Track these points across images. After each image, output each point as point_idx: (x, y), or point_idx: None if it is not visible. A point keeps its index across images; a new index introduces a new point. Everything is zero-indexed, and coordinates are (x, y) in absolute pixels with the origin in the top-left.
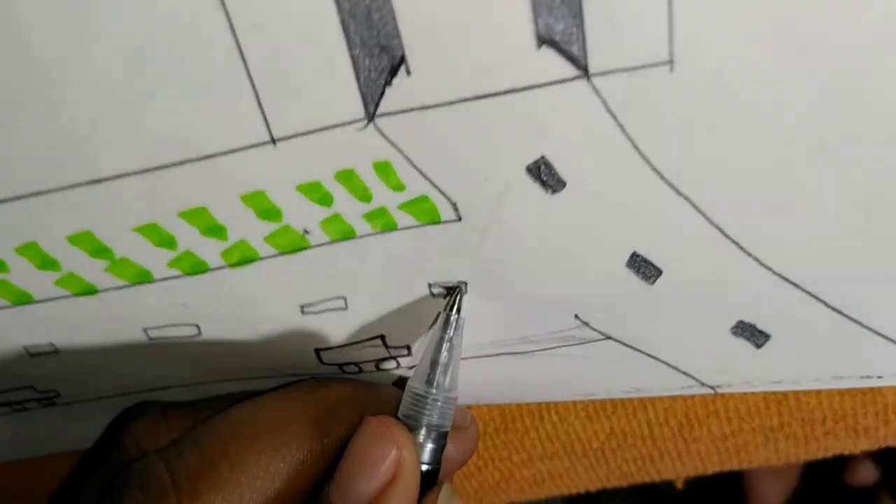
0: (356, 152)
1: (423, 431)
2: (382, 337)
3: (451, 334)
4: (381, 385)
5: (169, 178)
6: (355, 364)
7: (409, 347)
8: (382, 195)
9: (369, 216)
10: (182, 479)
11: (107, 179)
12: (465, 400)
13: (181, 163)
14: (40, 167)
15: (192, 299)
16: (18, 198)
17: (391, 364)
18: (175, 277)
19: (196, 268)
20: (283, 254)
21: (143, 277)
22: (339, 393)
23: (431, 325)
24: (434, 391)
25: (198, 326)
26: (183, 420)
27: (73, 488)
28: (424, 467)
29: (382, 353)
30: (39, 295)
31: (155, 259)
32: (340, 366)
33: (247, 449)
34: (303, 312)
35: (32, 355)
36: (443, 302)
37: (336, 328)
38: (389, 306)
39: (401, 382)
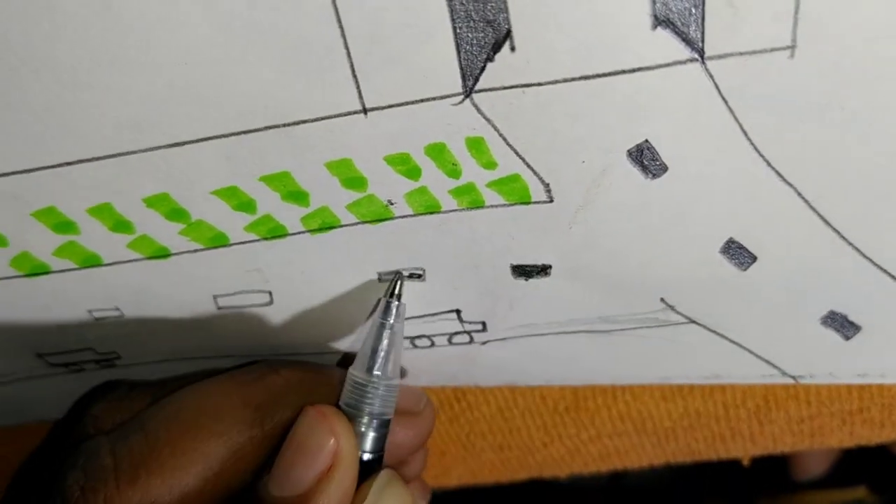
0: (449, 127)
1: (364, 420)
2: (458, 311)
3: (392, 321)
4: (331, 369)
5: (253, 143)
6: (427, 337)
7: (484, 324)
8: (472, 171)
9: (456, 191)
10: (123, 463)
11: (189, 143)
12: (537, 380)
13: (267, 128)
14: (122, 129)
15: (267, 264)
16: (96, 159)
17: (464, 339)
18: (251, 241)
19: (274, 232)
20: (364, 223)
21: (218, 241)
22: (286, 378)
23: (371, 314)
24: (374, 379)
25: (270, 294)
26: (144, 401)
27: (35, 463)
28: (366, 456)
29: (456, 327)
30: (109, 258)
31: (232, 222)
32: (413, 338)
33: (188, 434)
34: (380, 280)
35: (97, 318)
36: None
37: (412, 299)
38: (468, 282)
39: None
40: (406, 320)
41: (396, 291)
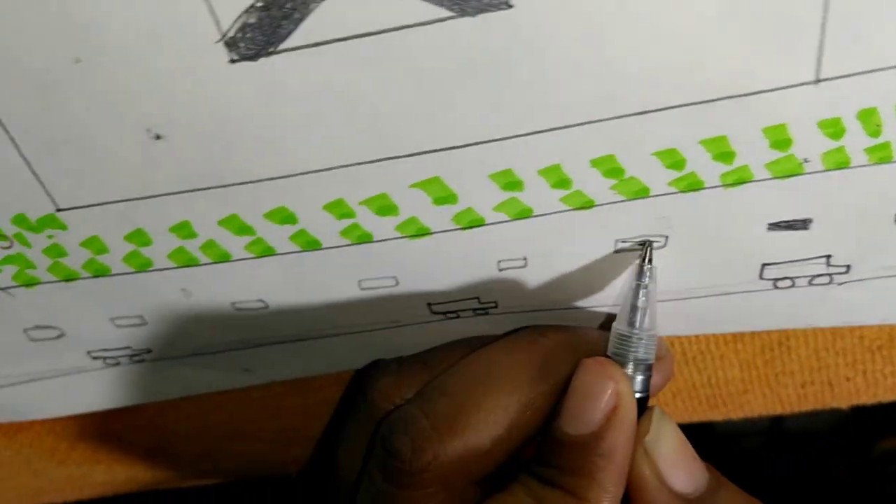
0: (888, 93)
1: (630, 365)
2: (828, 256)
3: (647, 282)
4: (586, 328)
5: (706, 112)
6: (790, 279)
7: (848, 266)
8: (892, 132)
9: (871, 149)
10: (439, 423)
11: (652, 111)
12: (870, 320)
13: (722, 98)
14: (600, 99)
15: (674, 214)
16: (567, 126)
17: (824, 280)
18: (669, 195)
19: (692, 186)
20: (775, 178)
21: (642, 193)
22: (556, 339)
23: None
24: (636, 331)
25: (666, 238)
26: (417, 374)
27: (332, 443)
28: (636, 395)
29: (821, 269)
30: (540, 210)
31: (658, 176)
32: (775, 280)
33: (490, 395)
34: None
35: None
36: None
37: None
38: (849, 230)
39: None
40: (777, 265)
41: (648, 257)
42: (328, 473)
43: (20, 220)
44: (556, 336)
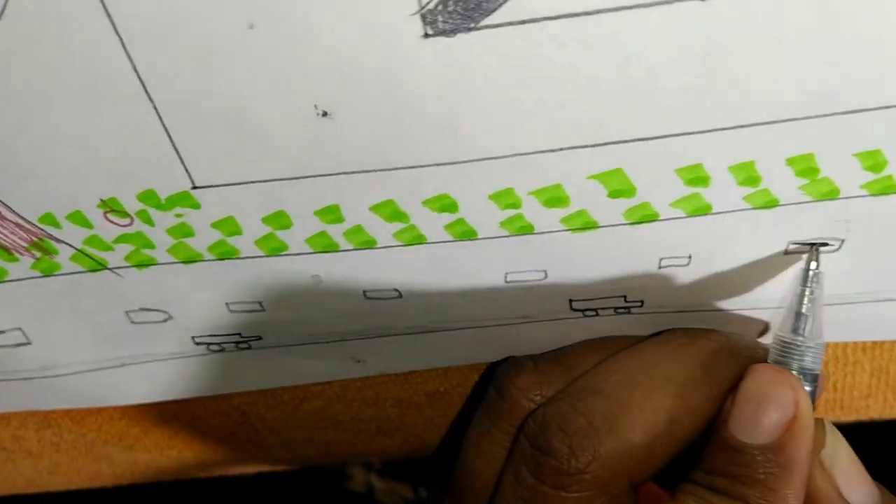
0: None
1: (796, 376)
2: None
3: (814, 287)
4: (741, 334)
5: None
6: None
7: None
8: None
9: None
10: (597, 421)
11: (867, 110)
12: None
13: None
14: (813, 95)
15: (857, 217)
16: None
17: None
18: (858, 197)
19: (887, 189)
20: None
21: (831, 195)
22: (717, 341)
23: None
24: (801, 339)
25: (842, 241)
26: (556, 372)
27: (466, 440)
28: None
29: None
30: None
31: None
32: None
33: (650, 395)
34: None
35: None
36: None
37: None
38: None
39: None
40: None
41: (815, 261)
42: (449, 472)
43: (148, 196)
44: (716, 338)
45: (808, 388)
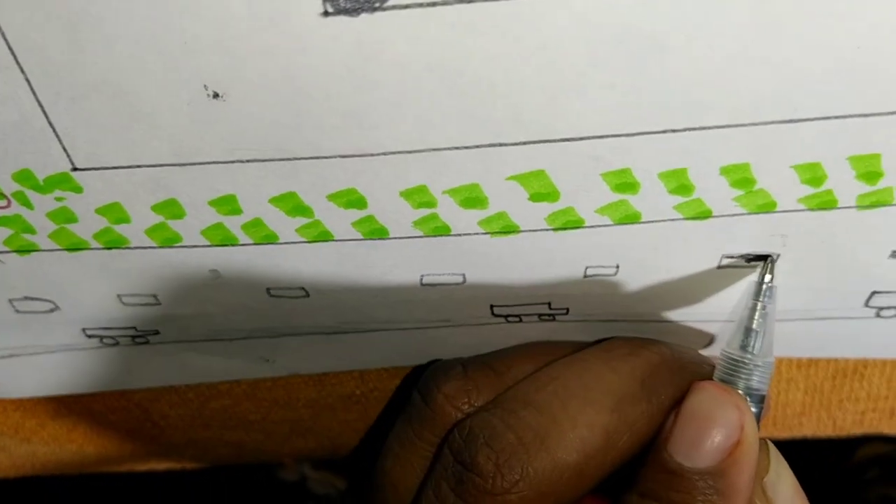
0: None
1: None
2: None
3: (765, 301)
4: (686, 348)
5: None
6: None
7: None
8: None
9: None
10: (527, 437)
11: (808, 119)
12: None
13: (884, 113)
14: (747, 100)
15: (794, 233)
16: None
17: None
18: (795, 211)
19: (824, 205)
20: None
21: (767, 208)
22: (661, 354)
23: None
24: (750, 356)
25: (777, 256)
26: (486, 379)
27: (386, 448)
28: None
29: None
30: (649, 215)
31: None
32: (879, 309)
33: (585, 409)
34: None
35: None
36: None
37: None
38: None
39: None
40: (888, 294)
41: (769, 273)
42: (365, 480)
43: (24, 176)
44: (659, 350)
45: (754, 410)
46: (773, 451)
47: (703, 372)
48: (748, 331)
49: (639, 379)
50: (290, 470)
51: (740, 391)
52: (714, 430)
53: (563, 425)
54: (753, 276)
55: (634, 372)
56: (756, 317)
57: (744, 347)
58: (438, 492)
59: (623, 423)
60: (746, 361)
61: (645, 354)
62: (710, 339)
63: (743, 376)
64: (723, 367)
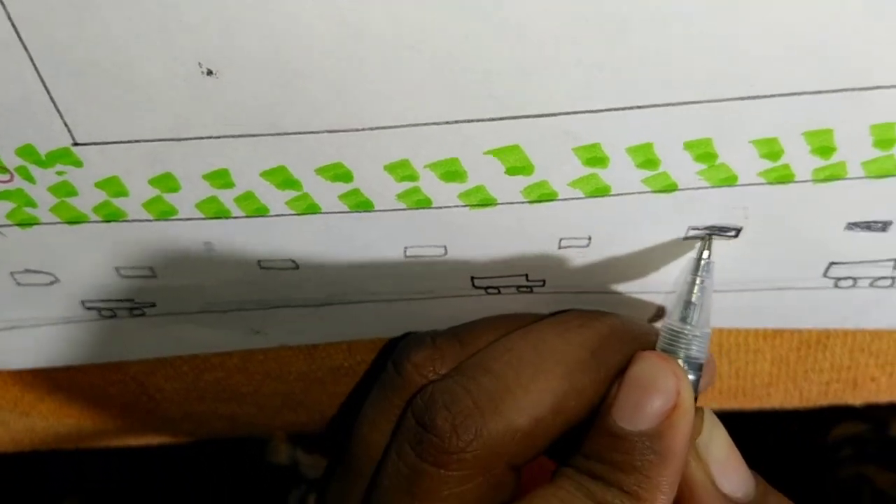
0: None
1: (681, 364)
2: None
3: (703, 277)
4: (636, 319)
5: (822, 103)
6: (853, 279)
7: None
8: None
9: None
10: (482, 401)
11: (765, 96)
12: None
13: (836, 90)
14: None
15: (755, 205)
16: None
17: (886, 283)
18: (755, 185)
19: (782, 178)
20: (868, 178)
21: (728, 182)
22: (610, 325)
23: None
24: (689, 328)
25: (739, 229)
26: (452, 349)
27: (362, 414)
28: None
29: (886, 272)
30: (619, 188)
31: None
32: (837, 280)
33: (537, 376)
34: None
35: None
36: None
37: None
38: None
39: None
40: (845, 264)
41: (707, 250)
42: (343, 444)
43: (27, 151)
44: (609, 322)
45: (692, 377)
46: (709, 415)
47: (648, 342)
48: (687, 304)
49: (589, 349)
50: (282, 454)
51: (680, 360)
52: (653, 396)
53: (516, 391)
54: (692, 253)
55: (585, 343)
56: (695, 291)
57: (683, 319)
58: (401, 451)
59: (572, 389)
60: (686, 332)
61: (596, 326)
62: (663, 311)
63: (682, 346)
64: (664, 337)
